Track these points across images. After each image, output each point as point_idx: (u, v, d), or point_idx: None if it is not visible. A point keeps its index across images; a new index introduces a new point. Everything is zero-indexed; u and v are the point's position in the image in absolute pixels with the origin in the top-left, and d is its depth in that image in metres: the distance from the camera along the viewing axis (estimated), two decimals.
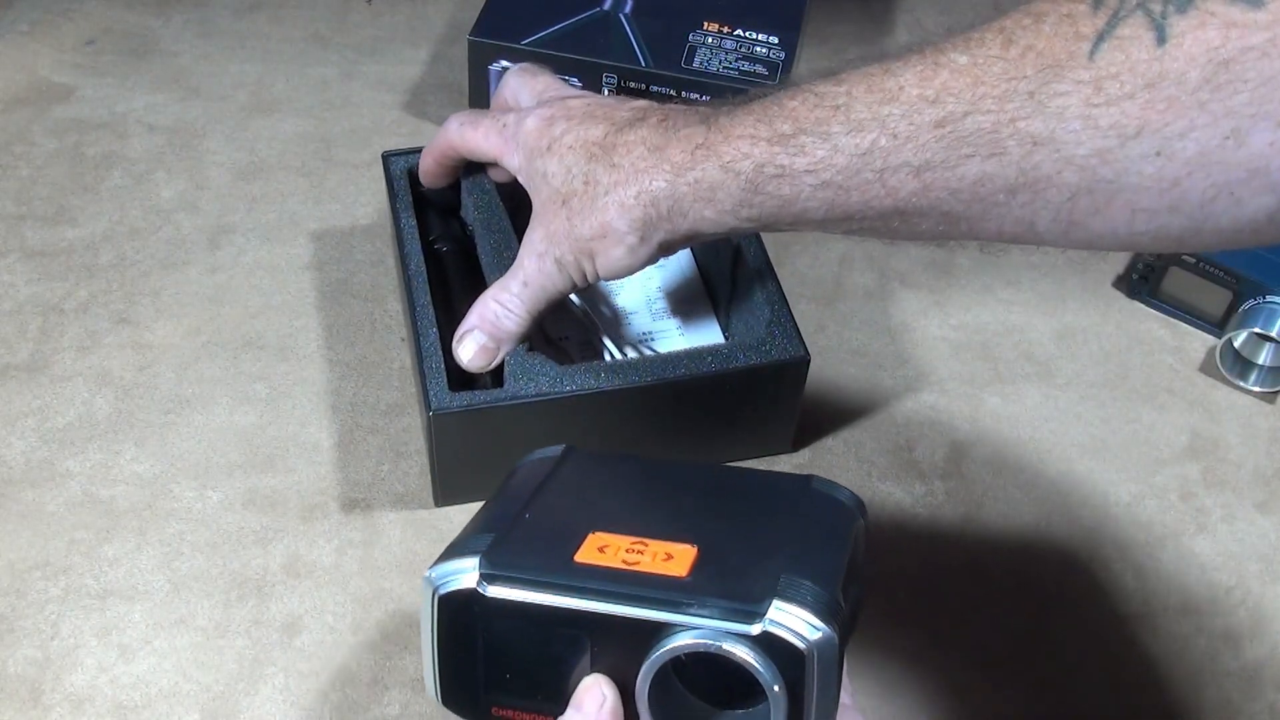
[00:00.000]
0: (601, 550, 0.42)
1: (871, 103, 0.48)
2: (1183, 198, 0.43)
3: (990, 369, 0.78)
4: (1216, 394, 0.77)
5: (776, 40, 0.86)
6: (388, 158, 0.75)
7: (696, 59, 0.84)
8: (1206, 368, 0.78)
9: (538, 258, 0.60)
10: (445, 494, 0.68)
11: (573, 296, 0.70)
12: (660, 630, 0.39)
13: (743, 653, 0.38)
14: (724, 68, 0.83)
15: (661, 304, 0.76)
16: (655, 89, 0.83)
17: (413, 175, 0.74)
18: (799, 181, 0.51)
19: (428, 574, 0.42)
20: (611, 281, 0.67)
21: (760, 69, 0.84)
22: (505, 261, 0.66)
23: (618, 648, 0.40)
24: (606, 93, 0.84)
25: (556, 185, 0.59)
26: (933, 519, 0.70)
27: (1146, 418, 0.76)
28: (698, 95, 0.83)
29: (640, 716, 0.41)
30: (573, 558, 0.41)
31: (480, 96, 0.86)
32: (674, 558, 0.41)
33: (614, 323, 0.74)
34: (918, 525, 0.70)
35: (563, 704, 0.41)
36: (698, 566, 0.41)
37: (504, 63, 0.84)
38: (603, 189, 0.57)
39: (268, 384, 0.73)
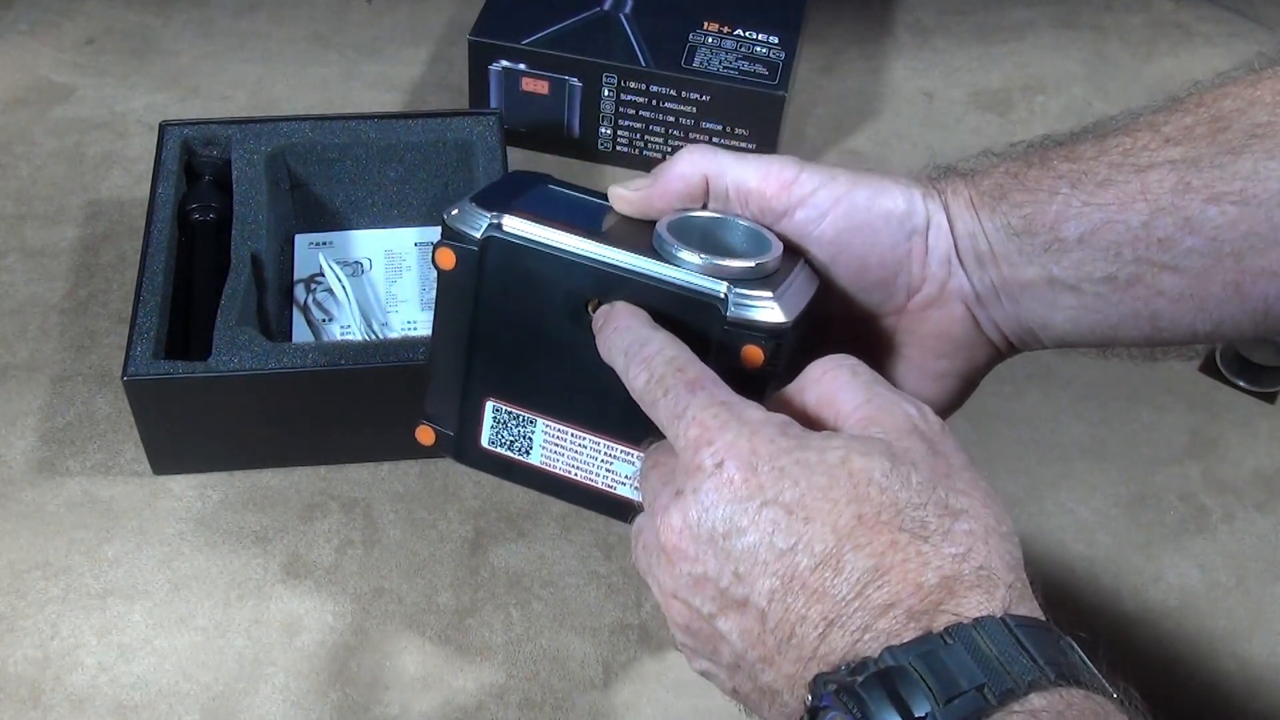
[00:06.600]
0: None
1: None
2: None
3: None
4: (1216, 394, 0.77)
5: (776, 40, 0.86)
6: (164, 126, 0.75)
7: (696, 59, 0.84)
8: (1206, 368, 0.78)
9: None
10: (159, 463, 0.68)
11: (338, 274, 0.71)
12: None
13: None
14: (724, 68, 0.83)
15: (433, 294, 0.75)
16: (655, 89, 0.83)
17: (185, 145, 0.74)
18: None
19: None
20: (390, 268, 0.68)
21: (760, 69, 0.83)
22: (251, 231, 0.70)
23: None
24: (606, 93, 0.84)
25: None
26: None
27: (1146, 418, 0.76)
28: (698, 95, 0.83)
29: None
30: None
31: (480, 96, 0.86)
32: None
33: (375, 306, 0.74)
34: None
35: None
36: None
37: (504, 63, 0.84)
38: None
39: None
